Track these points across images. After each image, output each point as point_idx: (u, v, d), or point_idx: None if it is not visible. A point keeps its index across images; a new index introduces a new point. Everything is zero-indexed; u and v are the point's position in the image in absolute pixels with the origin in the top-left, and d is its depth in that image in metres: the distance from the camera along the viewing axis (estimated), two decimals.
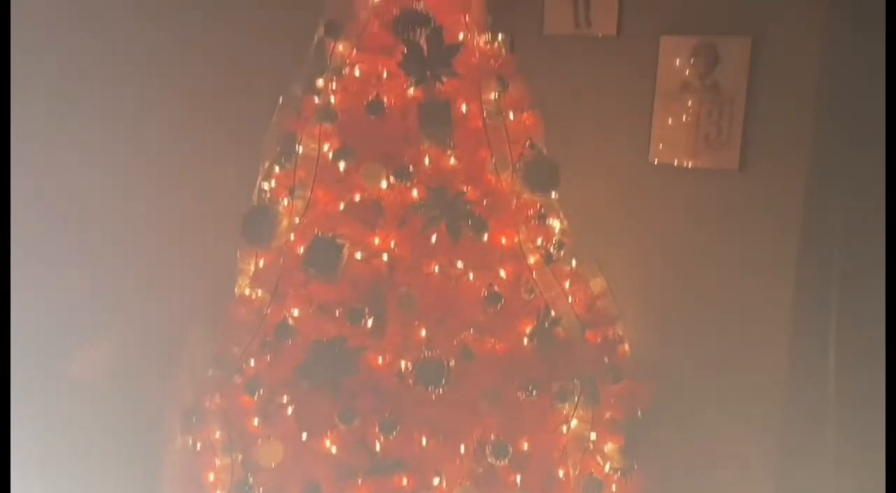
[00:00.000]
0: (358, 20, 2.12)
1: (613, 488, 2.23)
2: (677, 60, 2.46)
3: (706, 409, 2.51)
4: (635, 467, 2.23)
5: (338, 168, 2.11)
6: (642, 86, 2.51)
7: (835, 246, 2.33)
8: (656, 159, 2.53)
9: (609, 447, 2.23)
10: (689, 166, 2.49)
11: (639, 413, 2.26)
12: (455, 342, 2.10)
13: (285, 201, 2.14)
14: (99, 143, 2.81)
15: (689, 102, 2.46)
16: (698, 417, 2.51)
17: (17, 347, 2.04)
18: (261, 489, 2.18)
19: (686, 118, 2.47)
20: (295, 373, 2.08)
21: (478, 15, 2.16)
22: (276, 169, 2.18)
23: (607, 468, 2.22)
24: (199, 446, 2.22)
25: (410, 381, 2.06)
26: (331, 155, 2.11)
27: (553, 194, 2.18)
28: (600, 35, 2.54)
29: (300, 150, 2.13)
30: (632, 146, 2.55)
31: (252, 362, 2.15)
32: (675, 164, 2.51)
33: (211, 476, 2.21)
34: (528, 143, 2.15)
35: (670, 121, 2.50)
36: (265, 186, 2.19)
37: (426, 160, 2.10)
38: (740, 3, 2.38)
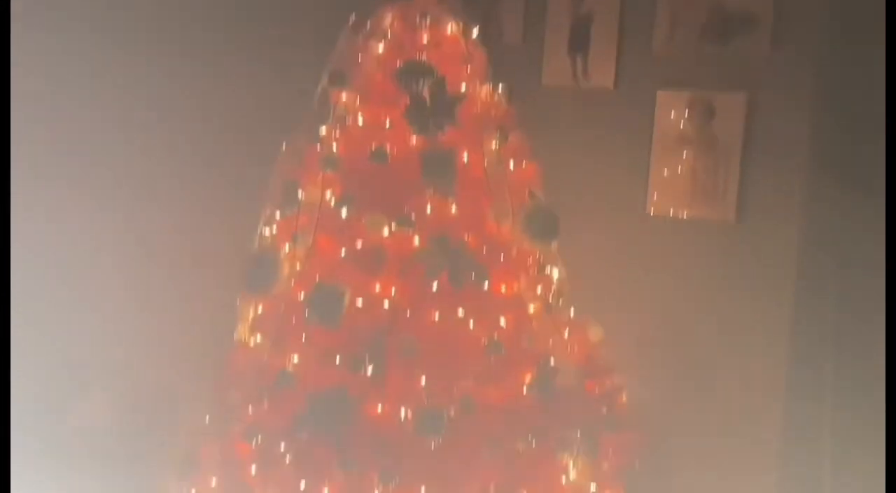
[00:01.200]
0: (362, 71, 2.16)
1: None
2: (673, 113, 2.51)
3: (704, 459, 2.50)
4: None
5: (340, 215, 2.12)
6: (639, 138, 2.55)
7: (831, 295, 2.36)
8: (653, 210, 2.56)
9: None
10: (686, 217, 2.51)
11: (636, 465, 2.25)
12: (455, 391, 2.08)
13: (287, 248, 2.13)
14: (100, 185, 2.82)
15: (686, 155, 2.50)
16: (696, 467, 2.50)
17: (18, 396, 2.03)
18: None
19: (682, 170, 2.51)
20: (294, 421, 2.05)
21: (479, 66, 2.20)
22: (278, 215, 2.19)
23: None
24: None
25: (410, 430, 2.04)
26: (333, 202, 2.12)
27: (553, 244, 2.19)
28: (598, 88, 2.59)
29: (302, 196, 2.13)
30: (629, 197, 2.58)
31: (250, 410, 2.13)
32: (672, 215, 2.53)
33: None
34: (528, 192, 2.18)
35: (666, 172, 2.53)
36: (266, 232, 2.19)
37: (428, 208, 2.11)
38: (735, 59, 2.43)
